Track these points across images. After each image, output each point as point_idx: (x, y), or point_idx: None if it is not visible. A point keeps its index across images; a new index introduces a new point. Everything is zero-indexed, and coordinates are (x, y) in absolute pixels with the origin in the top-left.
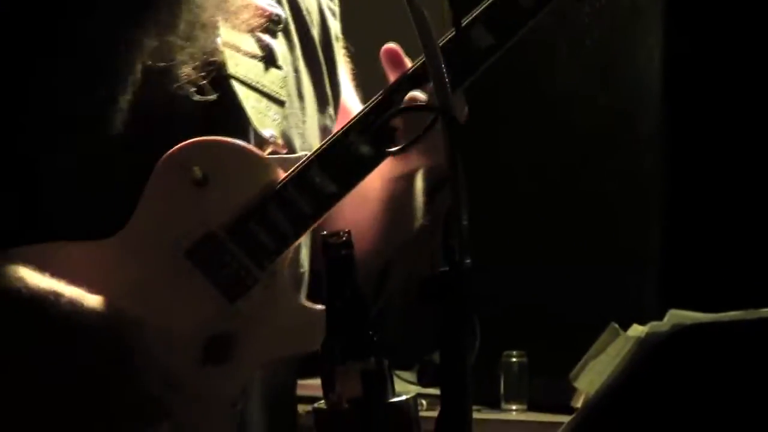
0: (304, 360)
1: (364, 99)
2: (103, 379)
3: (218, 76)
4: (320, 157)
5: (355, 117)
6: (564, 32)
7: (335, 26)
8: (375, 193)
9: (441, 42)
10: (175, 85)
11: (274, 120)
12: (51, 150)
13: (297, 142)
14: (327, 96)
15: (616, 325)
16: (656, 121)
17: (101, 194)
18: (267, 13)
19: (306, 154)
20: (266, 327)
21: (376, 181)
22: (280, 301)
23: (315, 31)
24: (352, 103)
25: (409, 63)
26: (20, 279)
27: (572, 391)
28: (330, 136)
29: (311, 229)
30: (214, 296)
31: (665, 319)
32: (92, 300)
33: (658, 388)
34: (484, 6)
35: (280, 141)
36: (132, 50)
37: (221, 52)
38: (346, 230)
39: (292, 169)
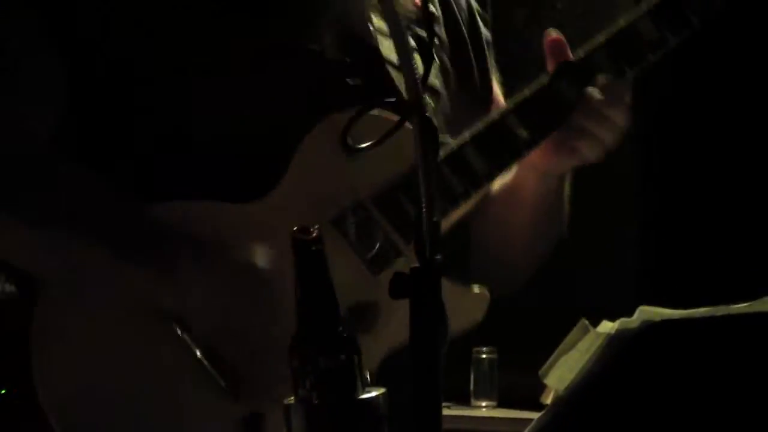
0: None
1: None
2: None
3: (372, 60)
4: (475, 139)
5: (513, 101)
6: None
7: (485, 33)
8: (528, 195)
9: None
10: (326, 66)
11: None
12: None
13: (446, 131)
14: (477, 97)
15: (586, 321)
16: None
17: (249, 160)
18: (419, 5)
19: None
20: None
21: (530, 180)
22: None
23: (465, 31)
24: (499, 100)
25: (570, 54)
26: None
27: (542, 388)
28: (486, 119)
29: (462, 207)
30: (357, 266)
31: (635, 315)
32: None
33: (628, 384)
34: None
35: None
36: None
37: (374, 38)
38: (316, 226)
39: (446, 148)
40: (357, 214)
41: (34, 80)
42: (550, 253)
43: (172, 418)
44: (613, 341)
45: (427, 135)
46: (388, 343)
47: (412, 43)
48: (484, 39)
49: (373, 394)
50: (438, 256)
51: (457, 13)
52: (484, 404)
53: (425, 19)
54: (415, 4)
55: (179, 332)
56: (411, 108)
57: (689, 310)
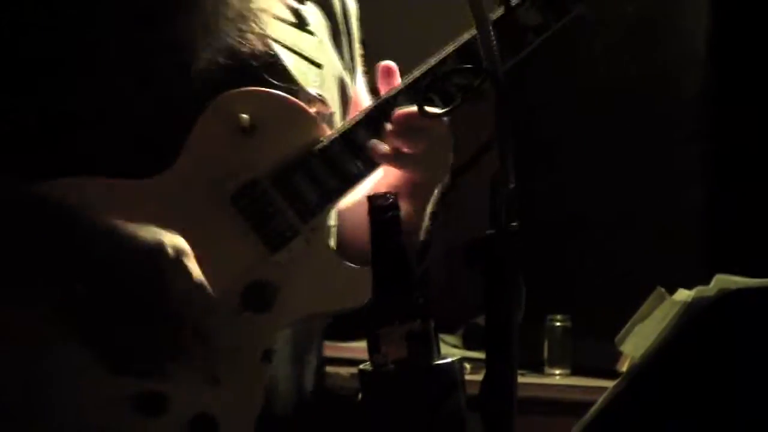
0: (333, 321)
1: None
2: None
3: (258, 39)
4: (368, 119)
5: (405, 81)
6: None
7: (354, 20)
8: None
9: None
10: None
11: (314, 81)
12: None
13: (334, 106)
14: (350, 72)
15: (663, 290)
16: (700, 85)
17: (142, 138)
18: None
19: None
20: (306, 281)
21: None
22: (322, 257)
23: (337, 8)
24: (363, 98)
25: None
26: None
27: (616, 356)
28: (377, 99)
29: (354, 187)
30: (256, 244)
31: (711, 283)
32: (137, 227)
33: (704, 353)
34: None
35: (325, 100)
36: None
37: (256, 16)
38: (393, 192)
39: (339, 128)
40: (254, 192)
41: None
42: None
43: (66, 398)
44: (690, 309)
45: (504, 106)
46: (286, 321)
47: (292, 17)
48: (355, 34)
49: (449, 359)
50: (514, 223)
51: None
52: (557, 372)
53: None
54: None
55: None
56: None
57: (766, 279)
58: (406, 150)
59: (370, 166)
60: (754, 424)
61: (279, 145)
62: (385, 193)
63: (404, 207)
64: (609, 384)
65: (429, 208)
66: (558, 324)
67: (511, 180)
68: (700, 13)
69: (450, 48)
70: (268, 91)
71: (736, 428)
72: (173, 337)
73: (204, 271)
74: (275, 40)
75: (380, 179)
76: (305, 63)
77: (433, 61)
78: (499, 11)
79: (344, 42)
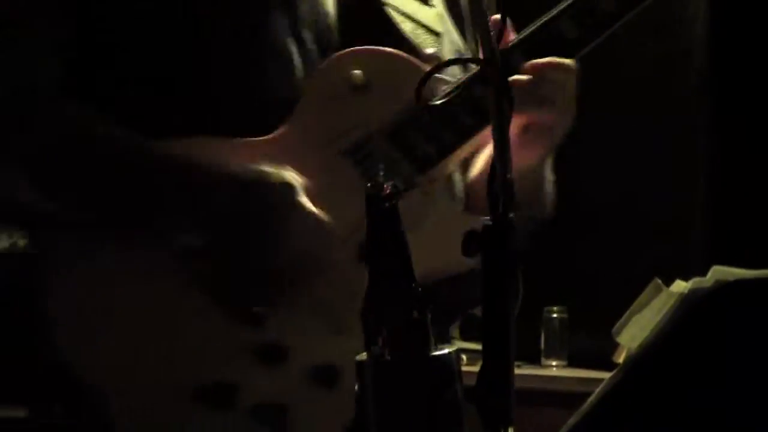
0: None
1: None
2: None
3: (373, 5)
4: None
5: (519, 36)
6: None
7: None
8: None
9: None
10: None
11: (430, 45)
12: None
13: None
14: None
15: (659, 281)
16: (700, 80)
17: (257, 98)
18: None
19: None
20: (424, 235)
21: None
22: (441, 210)
23: None
24: None
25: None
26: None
27: (613, 347)
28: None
29: (470, 141)
30: None
31: (708, 275)
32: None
33: (701, 345)
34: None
35: (441, 58)
36: None
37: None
38: (391, 182)
39: (454, 83)
40: (369, 146)
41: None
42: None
43: (188, 344)
44: (687, 301)
45: (503, 94)
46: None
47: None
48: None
49: (446, 350)
50: (511, 214)
51: None
52: (554, 363)
53: None
54: None
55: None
56: (488, 66)
57: (763, 270)
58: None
59: (485, 118)
60: (749, 416)
61: (393, 101)
62: (384, 184)
63: (524, 157)
64: (605, 375)
65: (549, 171)
66: (555, 315)
67: (509, 170)
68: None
69: (563, 4)
70: (380, 49)
71: (731, 419)
72: (297, 276)
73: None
74: (391, 6)
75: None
76: (422, 29)
77: (546, 17)
78: None
79: (467, 23)
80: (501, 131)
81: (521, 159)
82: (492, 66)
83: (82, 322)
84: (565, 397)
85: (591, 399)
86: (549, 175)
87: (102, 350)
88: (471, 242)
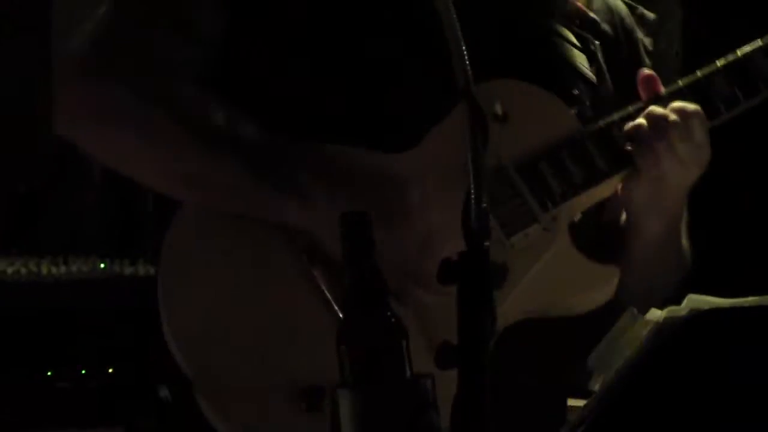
0: None
1: None
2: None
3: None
4: (627, 116)
5: (669, 89)
6: None
7: (642, 38)
8: (648, 236)
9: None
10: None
11: (580, 91)
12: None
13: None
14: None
15: (635, 309)
16: None
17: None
18: (584, 15)
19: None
20: (539, 270)
21: (643, 223)
22: (560, 249)
23: (622, 35)
24: None
25: (662, 88)
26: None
27: (589, 375)
28: (638, 102)
29: (600, 185)
30: (492, 226)
31: (683, 303)
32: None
33: (676, 373)
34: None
35: (587, 103)
36: None
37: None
38: (364, 211)
39: (594, 124)
40: (497, 178)
41: None
42: (677, 282)
43: (289, 345)
44: (661, 329)
45: (477, 122)
46: (518, 304)
47: (573, 39)
48: (640, 43)
49: (421, 377)
50: (486, 243)
51: (615, 17)
52: None
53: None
54: (577, 8)
55: (308, 263)
56: (462, 94)
57: (738, 299)
58: (668, 150)
59: (619, 165)
60: None
61: (530, 135)
62: (358, 211)
63: (654, 225)
64: (581, 403)
65: (683, 233)
66: None
67: (485, 199)
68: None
69: (721, 61)
70: (524, 84)
71: None
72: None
73: (434, 244)
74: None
75: (626, 185)
76: (576, 75)
77: (697, 74)
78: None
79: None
80: (476, 160)
81: (651, 226)
82: (467, 95)
83: (193, 304)
84: None
85: (566, 426)
86: (686, 238)
87: (202, 337)
88: (448, 271)
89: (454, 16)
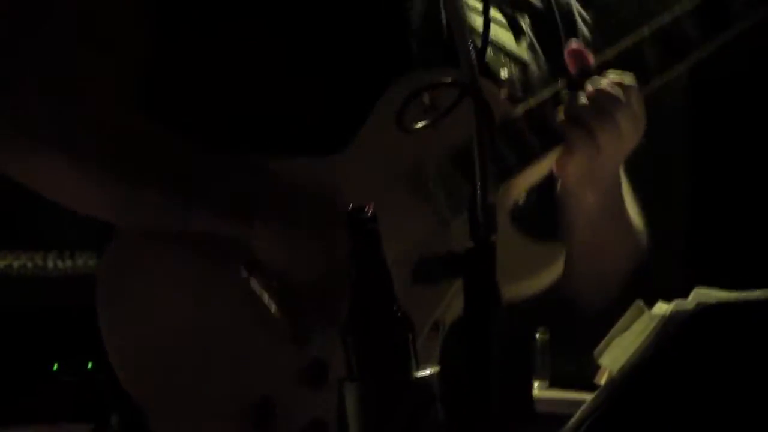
0: None
1: None
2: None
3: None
4: (556, 96)
5: (597, 60)
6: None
7: (582, 25)
8: (589, 210)
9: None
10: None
11: (510, 72)
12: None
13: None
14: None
15: (641, 303)
16: (680, 103)
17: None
18: None
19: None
20: None
21: (582, 196)
22: (499, 233)
23: (558, 17)
24: None
25: (591, 60)
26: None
27: (595, 369)
28: (564, 79)
29: (534, 164)
30: (429, 218)
31: (690, 297)
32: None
33: (682, 366)
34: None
35: (517, 85)
36: None
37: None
38: (371, 204)
39: (523, 105)
40: (431, 168)
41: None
42: (632, 271)
43: (234, 363)
44: (668, 323)
45: (483, 115)
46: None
47: (502, 19)
48: (577, 14)
49: (427, 372)
50: (493, 237)
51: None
52: (536, 384)
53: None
54: None
55: (247, 275)
56: (467, 87)
57: (744, 292)
58: (599, 123)
59: (552, 143)
60: None
61: (459, 125)
62: (365, 206)
63: (590, 197)
64: (587, 397)
65: (633, 211)
66: (537, 337)
67: (491, 194)
68: None
69: (645, 30)
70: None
71: None
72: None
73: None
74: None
75: (560, 161)
76: (505, 56)
77: (625, 42)
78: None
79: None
80: (482, 154)
81: (588, 198)
82: (473, 89)
83: (131, 335)
84: (546, 419)
85: (572, 421)
86: (634, 216)
87: (145, 367)
88: (452, 264)
89: (461, 12)
